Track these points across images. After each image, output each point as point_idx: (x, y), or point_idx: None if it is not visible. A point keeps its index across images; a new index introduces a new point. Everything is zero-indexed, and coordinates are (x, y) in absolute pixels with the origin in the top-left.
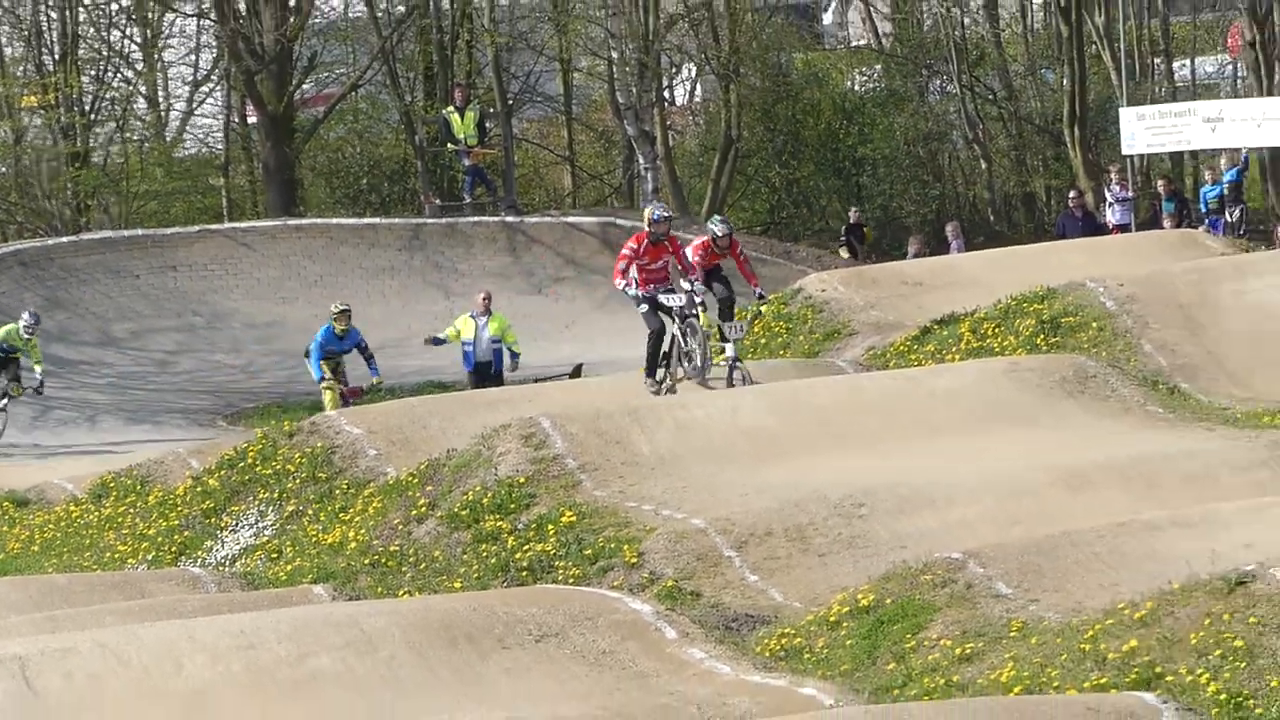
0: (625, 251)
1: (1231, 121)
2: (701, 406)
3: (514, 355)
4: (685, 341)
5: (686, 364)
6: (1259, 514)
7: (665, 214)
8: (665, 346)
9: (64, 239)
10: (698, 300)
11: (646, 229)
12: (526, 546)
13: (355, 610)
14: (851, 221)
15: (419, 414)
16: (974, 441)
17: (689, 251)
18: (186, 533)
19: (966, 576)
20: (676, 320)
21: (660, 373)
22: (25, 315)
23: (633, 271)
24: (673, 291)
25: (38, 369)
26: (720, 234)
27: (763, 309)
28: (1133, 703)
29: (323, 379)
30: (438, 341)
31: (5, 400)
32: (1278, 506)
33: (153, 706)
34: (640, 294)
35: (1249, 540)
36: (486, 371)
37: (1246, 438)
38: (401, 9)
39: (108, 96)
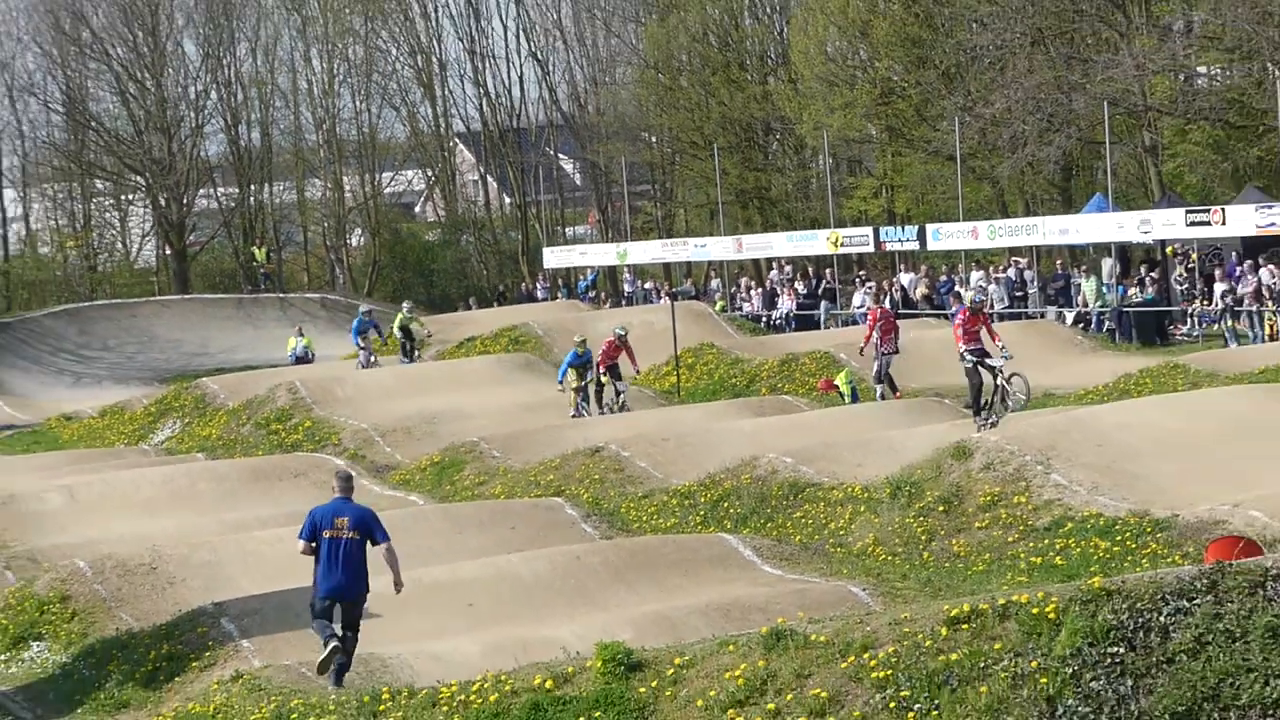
0: (957, 321)
1: (593, 254)
2: (365, 375)
3: (312, 355)
4: (1010, 386)
5: (1009, 402)
6: (609, 422)
7: (981, 298)
8: (985, 397)
9: (84, 304)
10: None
11: (967, 306)
12: (290, 436)
13: (216, 464)
14: (500, 290)
15: (244, 379)
16: (484, 391)
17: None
18: (140, 432)
19: (480, 448)
20: (1000, 378)
21: (984, 414)
22: (406, 304)
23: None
24: (988, 355)
25: (426, 329)
26: (974, 302)
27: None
28: (553, 502)
29: (562, 383)
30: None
31: (416, 353)
32: (618, 420)
33: (127, 508)
34: (967, 350)
35: (604, 434)
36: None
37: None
38: (232, 204)
39: (101, 243)
